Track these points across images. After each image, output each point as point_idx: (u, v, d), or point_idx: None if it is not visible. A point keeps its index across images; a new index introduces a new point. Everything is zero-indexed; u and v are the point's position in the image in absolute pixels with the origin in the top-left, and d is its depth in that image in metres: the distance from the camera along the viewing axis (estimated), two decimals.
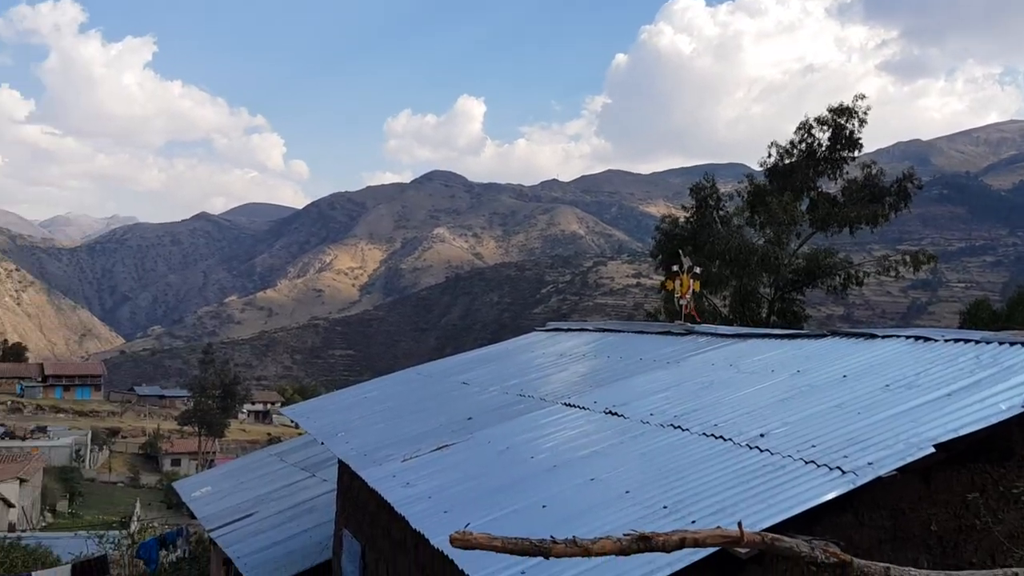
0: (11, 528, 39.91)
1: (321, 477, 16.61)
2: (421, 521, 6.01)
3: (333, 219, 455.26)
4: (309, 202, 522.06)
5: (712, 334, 10.57)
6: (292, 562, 13.14)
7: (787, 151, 32.11)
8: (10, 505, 45.84)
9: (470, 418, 8.76)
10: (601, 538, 2.33)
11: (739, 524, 2.54)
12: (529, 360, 11.93)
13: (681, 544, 2.38)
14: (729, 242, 31.13)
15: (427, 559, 7.50)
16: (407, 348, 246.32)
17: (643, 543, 2.34)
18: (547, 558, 2.33)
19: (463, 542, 2.30)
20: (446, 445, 7.82)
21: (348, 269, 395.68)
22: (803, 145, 31.77)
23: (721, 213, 33.40)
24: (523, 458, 7.03)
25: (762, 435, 6.06)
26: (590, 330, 13.10)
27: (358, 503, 10.46)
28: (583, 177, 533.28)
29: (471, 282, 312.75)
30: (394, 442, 8.50)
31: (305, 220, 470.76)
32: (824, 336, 8.96)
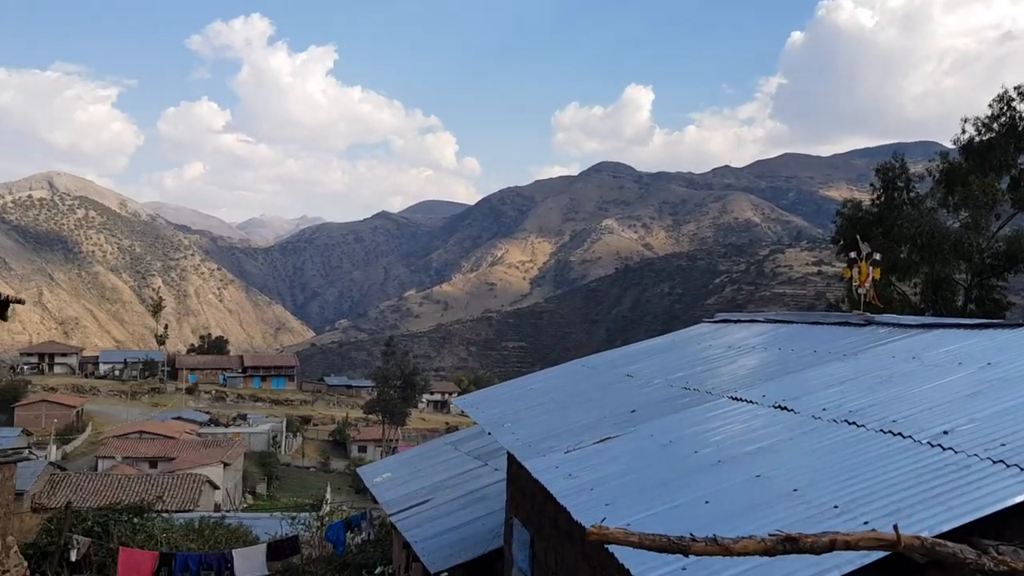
0: (216, 508, 43.36)
1: (493, 466, 16.98)
2: (583, 513, 6.03)
3: (503, 214, 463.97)
4: (480, 198, 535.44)
5: (894, 324, 9.95)
6: (465, 548, 13.54)
7: (985, 125, 29.80)
8: (215, 487, 49.76)
9: (634, 411, 8.70)
10: (744, 538, 2.26)
11: (895, 527, 2.37)
12: (696, 352, 11.69)
13: (831, 546, 2.25)
14: (919, 225, 29.30)
15: (592, 550, 7.53)
16: (577, 340, 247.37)
17: (790, 544, 2.24)
18: (686, 555, 2.29)
19: (599, 536, 2.29)
20: (609, 438, 7.81)
21: (519, 263, 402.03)
22: (1002, 119, 29.36)
23: (910, 195, 31.51)
24: (686, 453, 6.91)
25: (945, 432, 5.66)
26: (761, 321, 12.66)
27: (526, 493, 10.63)
28: (757, 162, 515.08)
29: (641, 273, 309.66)
30: (558, 433, 8.58)
31: (477, 216, 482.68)
32: (1020, 326, 8.23)
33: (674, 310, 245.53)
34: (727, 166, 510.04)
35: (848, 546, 2.26)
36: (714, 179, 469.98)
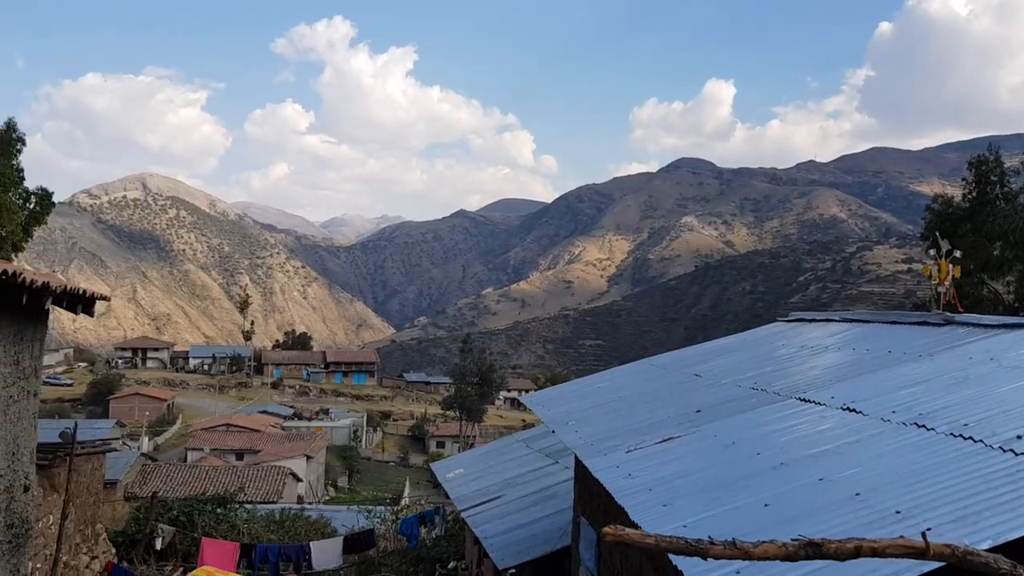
0: (299, 500, 44.42)
1: (563, 464, 16.97)
2: (639, 513, 6.00)
3: (581, 211, 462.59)
4: (558, 196, 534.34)
5: (974, 324, 9.58)
6: (534, 545, 13.58)
7: None
8: (298, 479, 50.96)
9: (699, 411, 8.60)
10: (765, 542, 2.21)
11: (923, 534, 2.28)
12: (767, 352, 11.47)
13: (856, 553, 2.19)
14: (1013, 221, 28.22)
15: (655, 551, 7.48)
16: (656, 338, 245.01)
17: (812, 550, 2.18)
18: (704, 559, 2.26)
19: (615, 537, 2.29)
20: (672, 438, 7.74)
21: (596, 260, 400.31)
22: None
23: (1004, 189, 30.38)
24: (749, 454, 6.80)
25: (1019, 437, 5.43)
26: (836, 320, 12.34)
27: (592, 491, 10.61)
28: (844, 157, 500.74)
29: (721, 271, 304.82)
30: (621, 433, 8.55)
31: (554, 213, 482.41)
32: None
33: (756, 308, 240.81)
34: (812, 161, 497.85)
35: (875, 553, 2.19)
36: (798, 174, 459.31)
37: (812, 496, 5.54)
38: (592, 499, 10.77)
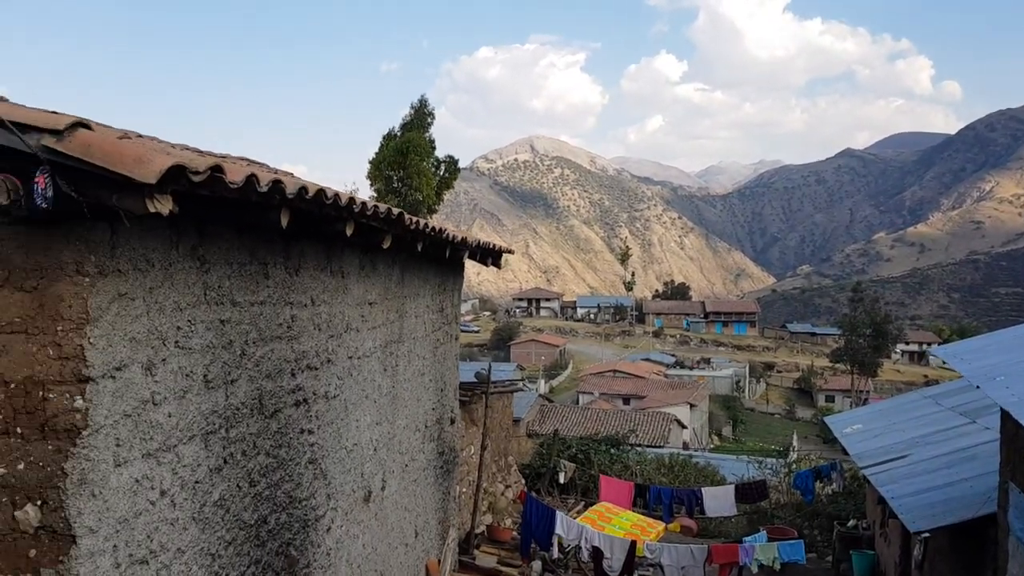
0: (684, 446, 45.22)
1: (983, 424, 15.18)
2: None
3: (992, 141, 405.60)
4: (963, 125, 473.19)
5: None
6: (950, 510, 12.34)
7: None
8: (683, 426, 51.89)
9: None
10: None
11: None
12: None
13: None
14: None
15: None
16: None
17: None
18: None
19: None
20: None
21: (1013, 197, 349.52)
22: None
23: None
24: None
25: None
26: None
27: None
28: None
29: None
30: None
31: (959, 146, 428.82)
32: None
33: None
34: None
35: None
36: None
37: None
38: None
